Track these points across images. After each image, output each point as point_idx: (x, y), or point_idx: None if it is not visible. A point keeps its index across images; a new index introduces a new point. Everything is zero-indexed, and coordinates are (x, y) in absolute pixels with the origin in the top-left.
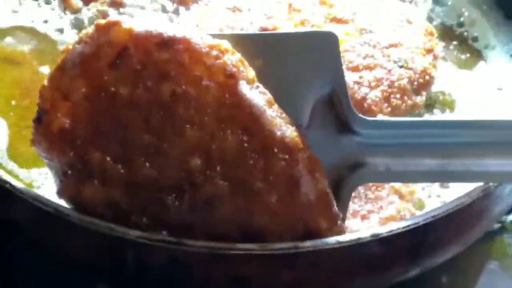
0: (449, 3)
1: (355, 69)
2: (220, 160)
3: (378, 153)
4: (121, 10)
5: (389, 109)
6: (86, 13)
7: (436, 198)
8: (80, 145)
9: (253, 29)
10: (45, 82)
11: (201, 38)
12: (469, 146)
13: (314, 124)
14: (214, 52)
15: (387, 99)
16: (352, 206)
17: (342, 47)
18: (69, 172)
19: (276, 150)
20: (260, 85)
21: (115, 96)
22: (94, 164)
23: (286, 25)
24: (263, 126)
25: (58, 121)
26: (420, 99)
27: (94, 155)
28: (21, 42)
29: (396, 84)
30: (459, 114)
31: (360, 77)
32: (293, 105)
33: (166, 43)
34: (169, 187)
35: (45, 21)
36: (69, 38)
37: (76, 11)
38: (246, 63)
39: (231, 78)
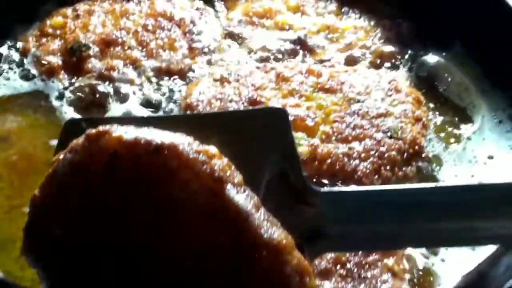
0: (438, 70)
1: (345, 140)
2: (208, 263)
3: (335, 224)
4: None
5: (380, 181)
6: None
7: (430, 269)
8: (70, 259)
9: (241, 101)
10: (36, 191)
11: (188, 144)
12: (424, 211)
13: (270, 196)
14: (202, 157)
15: (377, 170)
16: (346, 286)
17: (330, 117)
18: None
19: (264, 253)
20: (248, 188)
21: (107, 205)
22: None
23: (273, 96)
24: (250, 228)
25: (48, 234)
26: (410, 170)
27: (85, 268)
28: (8, 118)
29: (386, 155)
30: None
31: (350, 149)
32: (247, 179)
33: (154, 150)
34: None
35: (31, 94)
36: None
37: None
38: (233, 167)
39: (219, 182)
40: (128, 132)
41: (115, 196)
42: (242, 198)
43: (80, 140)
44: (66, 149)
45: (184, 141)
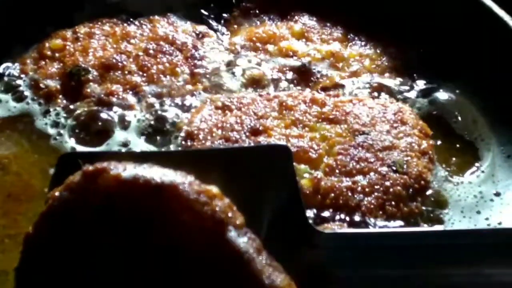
0: (446, 102)
1: (349, 173)
2: None
3: (338, 266)
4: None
5: (384, 216)
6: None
7: None
8: None
9: (243, 130)
10: (30, 229)
11: (189, 184)
12: (430, 256)
13: (273, 235)
14: (203, 198)
15: (381, 206)
16: None
17: (334, 149)
18: None
19: None
20: (249, 230)
21: (104, 246)
22: None
23: (276, 126)
24: (252, 274)
25: (40, 275)
26: (415, 206)
27: None
28: (4, 143)
29: (391, 190)
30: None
31: (354, 183)
32: (249, 218)
33: (154, 190)
34: None
35: (28, 118)
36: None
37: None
38: (234, 208)
39: (220, 224)
40: (126, 170)
41: (111, 237)
42: (244, 241)
43: (76, 178)
44: (62, 186)
45: (184, 181)
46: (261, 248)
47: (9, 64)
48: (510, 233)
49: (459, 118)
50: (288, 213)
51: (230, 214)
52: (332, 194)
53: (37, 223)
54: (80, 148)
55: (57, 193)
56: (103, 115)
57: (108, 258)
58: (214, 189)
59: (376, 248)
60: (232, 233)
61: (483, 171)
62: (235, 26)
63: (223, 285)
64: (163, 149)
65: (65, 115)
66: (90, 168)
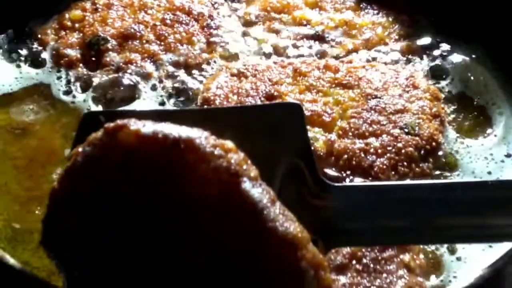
0: (457, 67)
1: (362, 136)
2: (225, 256)
3: (349, 219)
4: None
5: (397, 177)
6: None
7: (446, 267)
8: (87, 250)
9: (258, 95)
10: (55, 184)
11: (205, 138)
12: (439, 207)
13: (285, 192)
14: (218, 152)
15: (394, 167)
16: (361, 281)
17: (348, 113)
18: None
19: (279, 246)
20: (263, 183)
21: (125, 199)
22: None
23: (290, 91)
24: (266, 222)
25: (67, 226)
26: (427, 166)
27: (101, 259)
28: (26, 110)
29: (403, 151)
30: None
31: (367, 144)
32: (262, 174)
33: (171, 144)
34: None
35: (49, 86)
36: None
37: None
38: (249, 161)
39: (235, 176)
40: (145, 127)
41: (132, 190)
42: (258, 191)
43: (98, 134)
44: (84, 143)
45: (200, 135)
46: (275, 199)
47: (31, 36)
48: None
49: (471, 82)
50: (300, 168)
51: (244, 167)
52: (346, 156)
53: (62, 178)
54: None
55: (80, 149)
56: (125, 81)
57: (129, 211)
58: (229, 143)
59: (386, 200)
60: (247, 184)
61: (494, 134)
62: None
63: (238, 235)
64: None
65: (86, 82)
66: (111, 124)
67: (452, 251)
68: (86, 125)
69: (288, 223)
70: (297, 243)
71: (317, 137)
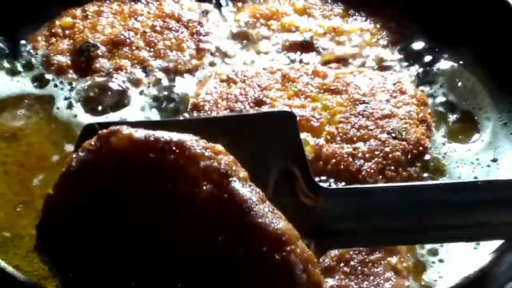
0: (444, 72)
1: (350, 140)
2: (215, 254)
3: (341, 221)
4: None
5: (384, 180)
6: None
7: (431, 269)
8: (81, 254)
9: (247, 101)
10: (51, 190)
11: (196, 141)
12: (428, 208)
13: (278, 195)
14: (208, 153)
15: (381, 171)
16: (349, 283)
17: (336, 118)
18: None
19: (269, 243)
20: (253, 184)
21: (118, 202)
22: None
23: (279, 97)
24: (256, 219)
25: (61, 230)
26: (414, 170)
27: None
28: (17, 116)
29: (390, 155)
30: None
31: (354, 149)
32: (256, 180)
33: (163, 147)
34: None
35: (39, 93)
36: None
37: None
38: (238, 164)
39: (225, 176)
40: (137, 132)
41: (126, 193)
42: (248, 190)
43: (92, 140)
44: (79, 149)
45: (191, 138)
46: (264, 198)
47: (21, 42)
48: (504, 184)
49: (458, 88)
50: (292, 173)
51: (234, 168)
52: (334, 160)
53: (57, 184)
54: (93, 119)
55: (74, 155)
56: (114, 86)
57: (123, 214)
58: (219, 146)
59: (377, 202)
60: (237, 184)
61: (481, 139)
62: (240, 3)
63: (228, 233)
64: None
65: (76, 88)
66: (105, 130)
67: (434, 253)
68: (86, 136)
69: (277, 220)
70: (286, 239)
71: (308, 140)
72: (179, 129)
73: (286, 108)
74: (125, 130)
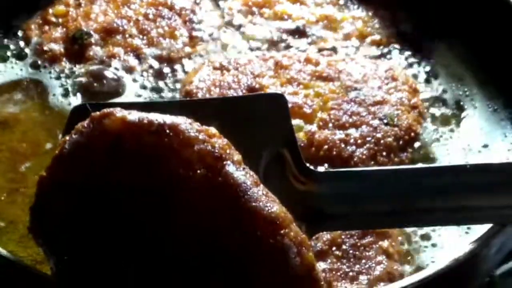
0: (435, 60)
1: (342, 126)
2: (209, 238)
3: (333, 204)
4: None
5: (376, 166)
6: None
7: (424, 253)
8: (75, 236)
9: (240, 88)
10: (43, 172)
11: (189, 124)
12: (420, 191)
13: (269, 179)
14: (202, 136)
15: (373, 156)
16: (341, 266)
17: (328, 105)
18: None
19: (262, 226)
20: (247, 167)
21: (112, 184)
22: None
23: (272, 84)
24: (249, 202)
25: (55, 212)
26: (406, 156)
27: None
28: (9, 104)
29: (382, 141)
30: None
31: (346, 135)
32: (246, 163)
33: (156, 129)
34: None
35: (32, 81)
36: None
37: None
38: (232, 147)
39: (219, 160)
40: (131, 114)
41: (119, 175)
42: (241, 174)
43: (85, 122)
44: (72, 131)
45: (185, 121)
46: (258, 182)
47: (15, 30)
48: (493, 168)
49: (448, 75)
50: (284, 157)
51: (228, 151)
52: (326, 146)
53: (50, 166)
54: None
55: (67, 137)
56: (108, 74)
57: (115, 194)
58: (213, 129)
59: (369, 185)
60: (230, 167)
61: (471, 125)
62: None
63: (222, 216)
64: None
65: (70, 76)
66: (97, 113)
67: (427, 238)
68: (75, 117)
69: (271, 203)
70: (280, 222)
71: (301, 126)
72: (171, 111)
73: (278, 91)
74: (119, 112)
